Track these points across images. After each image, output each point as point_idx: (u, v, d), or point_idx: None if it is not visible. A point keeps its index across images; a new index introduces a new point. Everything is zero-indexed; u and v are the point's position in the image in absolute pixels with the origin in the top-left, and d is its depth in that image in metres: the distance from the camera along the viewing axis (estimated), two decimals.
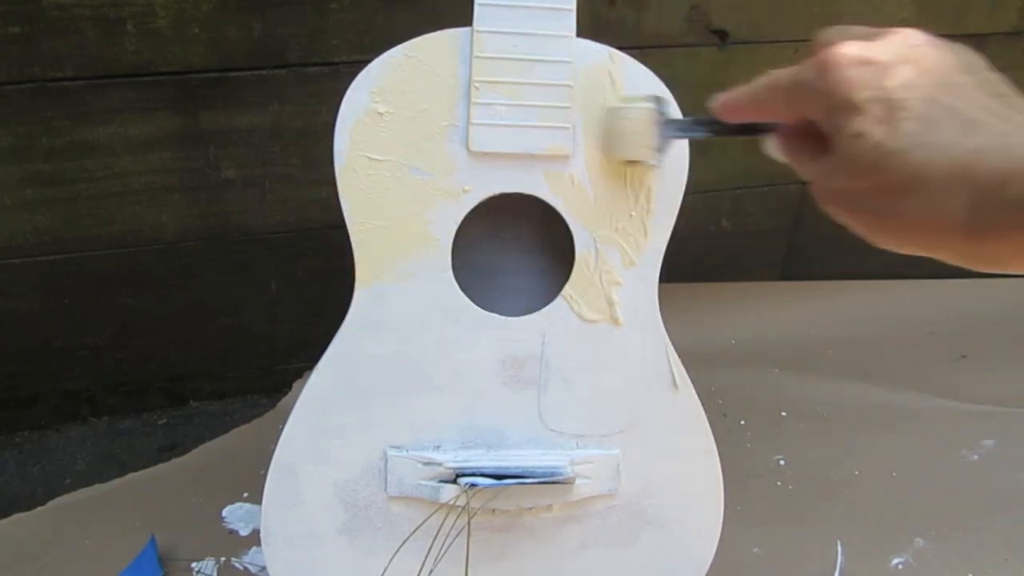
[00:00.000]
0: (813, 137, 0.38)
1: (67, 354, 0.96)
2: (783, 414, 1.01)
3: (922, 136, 0.32)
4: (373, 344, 0.60)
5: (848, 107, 0.34)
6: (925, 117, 0.32)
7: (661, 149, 0.54)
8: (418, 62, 0.55)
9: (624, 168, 0.58)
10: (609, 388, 0.63)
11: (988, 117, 0.32)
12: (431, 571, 0.63)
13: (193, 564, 0.80)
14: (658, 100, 0.53)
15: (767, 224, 1.15)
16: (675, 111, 0.55)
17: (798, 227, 1.17)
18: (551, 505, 0.64)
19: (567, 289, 0.60)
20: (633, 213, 0.59)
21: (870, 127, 0.33)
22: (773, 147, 0.42)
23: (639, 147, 0.55)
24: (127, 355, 0.98)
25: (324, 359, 0.61)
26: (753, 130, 0.44)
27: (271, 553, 0.64)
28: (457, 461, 0.62)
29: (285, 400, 1.01)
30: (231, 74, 0.86)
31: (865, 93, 0.33)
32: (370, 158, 0.56)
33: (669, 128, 0.53)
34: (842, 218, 0.36)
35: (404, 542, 0.63)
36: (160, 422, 1.01)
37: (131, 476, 0.91)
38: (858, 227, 0.36)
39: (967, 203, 0.31)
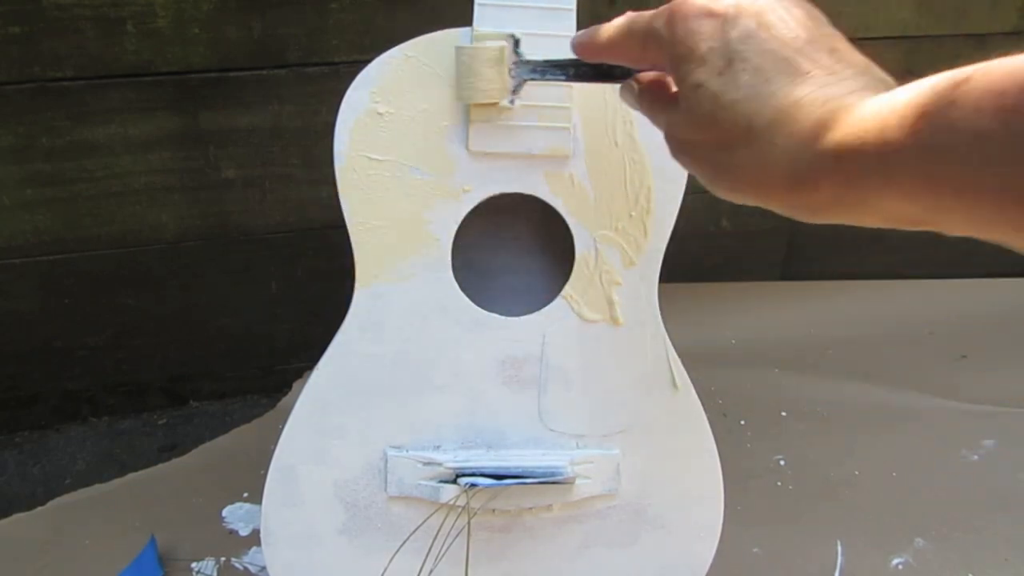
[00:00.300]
0: (666, 87, 0.39)
1: (67, 354, 0.96)
2: (783, 414, 1.01)
3: (755, 87, 0.33)
4: (373, 344, 0.60)
5: (691, 57, 0.34)
6: (759, 68, 0.33)
7: (515, 91, 0.52)
8: (418, 62, 0.55)
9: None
10: (609, 388, 0.63)
11: (816, 70, 0.33)
12: (431, 571, 0.63)
13: (193, 564, 0.80)
14: (512, 39, 0.52)
15: (767, 224, 1.15)
16: (531, 53, 0.52)
17: (798, 227, 1.17)
18: (551, 505, 0.64)
19: (567, 289, 0.60)
20: (633, 213, 0.59)
21: (709, 77, 0.34)
22: (627, 94, 0.43)
23: (490, 88, 0.52)
24: (127, 355, 0.98)
25: (324, 359, 0.61)
26: (609, 76, 0.44)
27: (271, 553, 0.64)
28: (457, 461, 0.62)
29: (285, 400, 1.01)
30: (231, 74, 0.86)
31: (707, 44, 0.34)
32: (370, 158, 0.56)
33: (523, 69, 0.51)
34: (689, 169, 0.37)
35: (404, 542, 0.63)
36: (160, 422, 1.01)
37: (131, 476, 0.91)
38: (702, 178, 0.36)
39: (785, 152, 0.31)
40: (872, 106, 0.30)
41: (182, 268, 0.95)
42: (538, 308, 0.61)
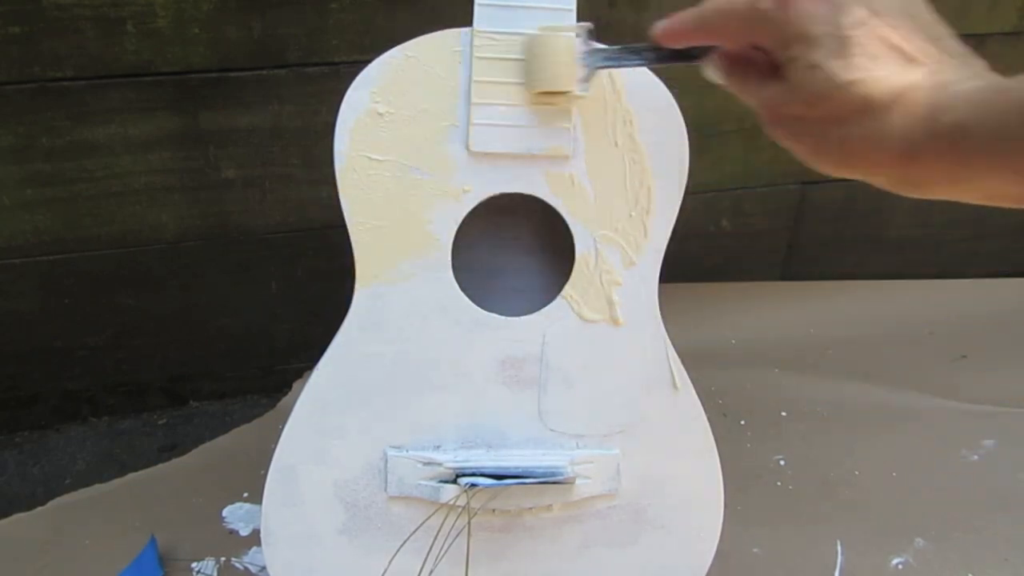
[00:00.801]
0: (758, 62, 0.41)
1: (67, 354, 0.96)
2: (783, 414, 1.01)
3: (869, 70, 0.35)
4: (373, 344, 0.60)
5: (805, 39, 0.37)
6: (873, 54, 0.36)
7: (587, 79, 0.52)
8: (418, 62, 0.55)
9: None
10: (609, 388, 0.63)
11: (924, 57, 0.36)
12: (431, 571, 0.63)
13: (193, 564, 0.80)
14: (584, 29, 0.51)
15: (767, 224, 1.15)
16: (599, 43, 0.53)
17: (798, 227, 1.17)
18: (551, 505, 0.64)
19: (567, 289, 0.60)
20: (633, 213, 0.59)
21: (824, 59, 0.36)
22: (713, 70, 0.44)
23: (562, 76, 0.52)
24: (127, 355, 0.98)
25: (324, 359, 0.61)
26: (689, 56, 0.45)
27: (271, 553, 0.64)
28: (457, 461, 0.62)
29: (285, 400, 1.01)
30: (231, 74, 0.86)
31: (822, 28, 0.36)
32: (370, 158, 0.56)
33: (595, 56, 0.51)
34: (786, 142, 0.40)
35: (404, 542, 0.63)
36: (160, 422, 1.01)
37: (131, 476, 0.91)
38: (801, 151, 0.39)
39: (901, 130, 0.35)
40: (987, 93, 0.33)
41: (182, 268, 0.95)
42: (538, 308, 0.61)
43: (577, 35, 0.51)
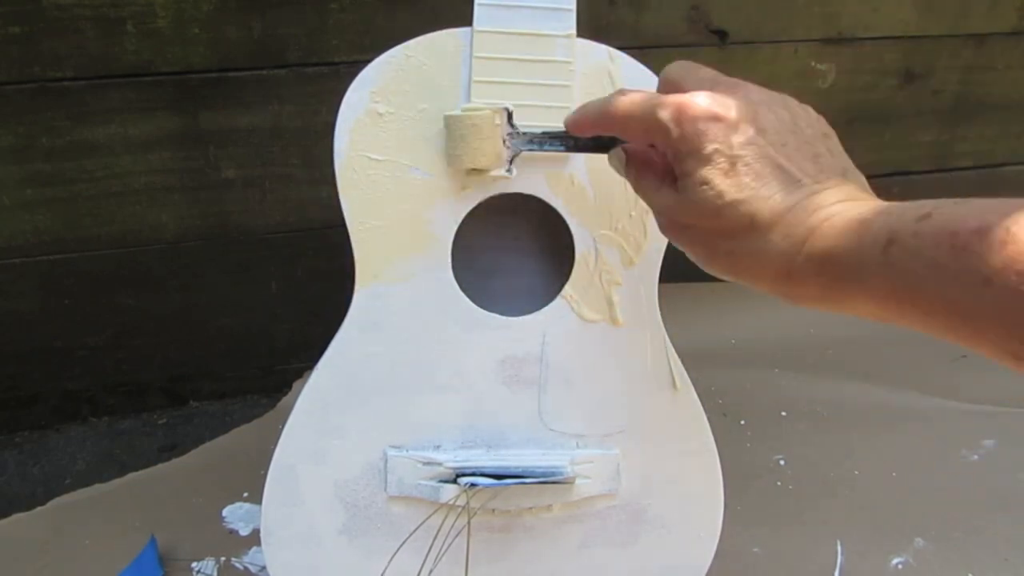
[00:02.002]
0: (656, 164, 0.43)
1: (67, 354, 0.96)
2: (783, 414, 1.01)
3: (755, 190, 0.38)
4: (373, 344, 0.60)
5: (698, 156, 0.38)
6: (759, 173, 0.38)
7: (511, 160, 0.53)
8: (418, 62, 0.55)
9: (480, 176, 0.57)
10: (609, 388, 0.63)
11: (804, 178, 0.38)
12: (431, 571, 0.63)
13: (193, 564, 0.80)
14: (505, 111, 0.52)
15: None
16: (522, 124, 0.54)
17: None
18: (551, 505, 0.64)
19: (567, 289, 0.60)
20: (633, 213, 0.59)
21: (715, 177, 0.38)
22: (617, 162, 0.46)
23: (487, 155, 0.53)
24: (127, 355, 0.98)
25: (324, 359, 0.61)
26: (602, 147, 0.47)
27: (271, 553, 0.64)
28: (457, 461, 0.62)
29: (285, 400, 1.01)
30: (231, 74, 0.86)
31: (713, 146, 0.38)
32: (370, 158, 0.56)
33: (519, 140, 0.52)
34: (681, 246, 0.42)
35: (404, 542, 0.63)
36: (160, 422, 1.01)
37: (131, 476, 0.91)
38: (693, 256, 0.42)
39: (781, 250, 0.37)
40: (852, 222, 0.35)
41: (182, 268, 0.95)
42: (538, 308, 0.61)
43: (499, 117, 0.52)
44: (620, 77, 0.56)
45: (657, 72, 0.56)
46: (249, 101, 0.88)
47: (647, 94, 0.41)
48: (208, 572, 0.79)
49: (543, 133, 0.50)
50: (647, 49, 0.98)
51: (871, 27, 1.04)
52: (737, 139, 0.38)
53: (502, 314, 0.60)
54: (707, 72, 0.42)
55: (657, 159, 0.43)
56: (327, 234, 0.96)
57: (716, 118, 0.38)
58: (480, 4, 0.54)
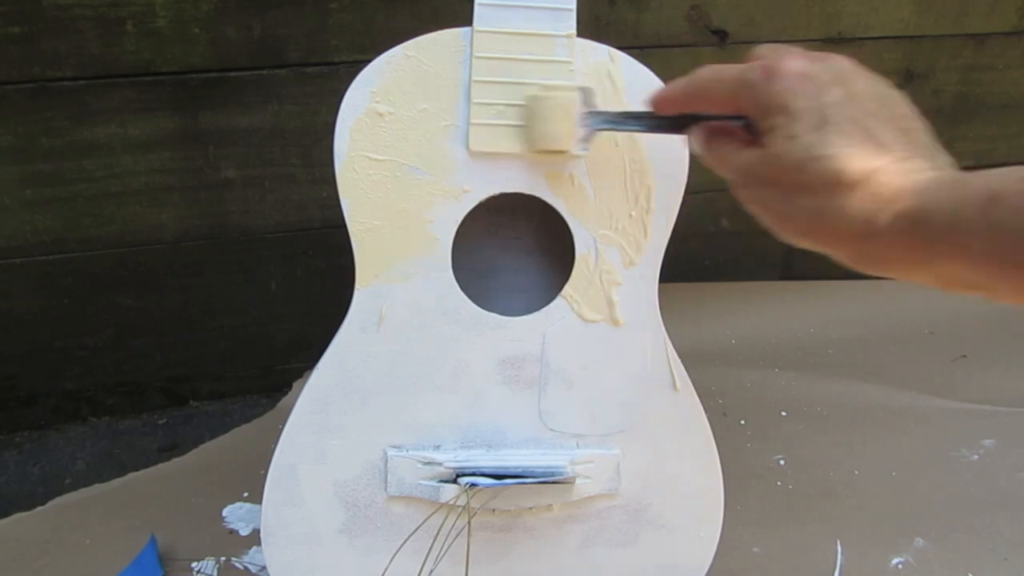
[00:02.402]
0: (737, 135, 0.43)
1: (66, 354, 0.96)
2: (783, 414, 1.01)
3: (843, 148, 0.37)
4: (373, 344, 0.60)
5: (787, 111, 0.39)
6: (848, 133, 0.38)
7: (587, 139, 0.53)
8: (418, 62, 0.55)
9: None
10: (609, 388, 0.63)
11: (893, 144, 0.38)
12: (431, 571, 0.63)
13: (193, 564, 0.80)
14: (583, 90, 0.53)
15: None
16: (600, 103, 0.54)
17: None
18: (551, 505, 0.64)
19: (567, 289, 0.60)
20: (633, 213, 0.59)
21: (803, 132, 0.38)
22: (695, 141, 0.46)
23: (562, 137, 0.54)
24: (127, 355, 0.98)
25: (324, 359, 0.61)
26: (681, 126, 0.47)
27: (271, 553, 0.64)
28: (457, 461, 0.62)
29: (285, 400, 1.01)
30: (231, 74, 0.86)
31: (804, 102, 0.39)
32: (370, 158, 0.56)
33: (595, 119, 0.52)
34: (754, 207, 0.42)
35: (404, 542, 0.63)
36: (160, 422, 1.01)
37: (131, 476, 0.91)
38: (768, 217, 0.41)
39: (865, 209, 0.37)
40: (948, 183, 0.35)
41: (182, 268, 0.95)
42: (538, 308, 0.61)
43: (578, 96, 0.53)
44: (620, 77, 0.56)
45: (658, 72, 0.57)
46: (249, 101, 0.88)
47: (736, 65, 0.42)
48: (208, 572, 0.79)
49: (620, 112, 0.50)
50: (647, 49, 0.98)
51: (871, 27, 1.04)
52: (827, 99, 0.38)
53: (502, 314, 0.60)
54: (797, 50, 0.42)
55: (737, 132, 0.44)
56: (327, 234, 0.96)
57: (807, 77, 0.39)
58: (480, 4, 0.54)
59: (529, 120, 0.55)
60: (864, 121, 0.38)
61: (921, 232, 0.35)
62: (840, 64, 0.40)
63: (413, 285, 0.59)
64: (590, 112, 0.52)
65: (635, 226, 0.60)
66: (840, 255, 0.39)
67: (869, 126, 0.38)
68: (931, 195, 0.35)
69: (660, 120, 0.48)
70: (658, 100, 0.47)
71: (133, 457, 0.95)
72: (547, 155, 0.56)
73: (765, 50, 0.43)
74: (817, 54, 0.41)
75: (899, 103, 0.40)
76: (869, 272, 0.38)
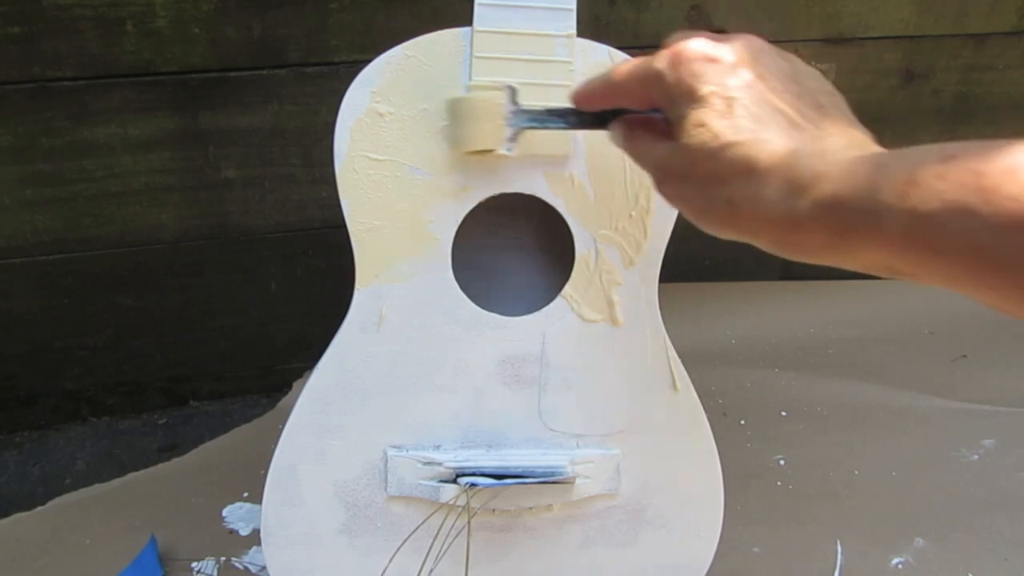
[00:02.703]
0: (656, 126, 0.42)
1: (66, 354, 0.96)
2: (783, 414, 1.01)
3: (753, 132, 0.36)
4: (373, 344, 0.60)
5: (693, 98, 0.37)
6: (757, 116, 0.36)
7: (513, 138, 0.52)
8: (418, 62, 0.55)
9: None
10: (609, 388, 0.63)
11: (806, 124, 0.36)
12: (431, 571, 0.63)
13: (193, 564, 0.80)
14: (509, 89, 0.52)
15: None
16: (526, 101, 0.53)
17: None
18: (551, 505, 0.64)
19: (567, 289, 0.60)
20: (633, 213, 0.59)
21: (711, 118, 0.36)
22: (616, 134, 0.45)
23: (489, 137, 0.53)
24: (127, 355, 0.98)
25: (324, 359, 0.61)
26: (604, 121, 0.46)
27: (271, 553, 0.64)
28: (457, 461, 0.62)
29: (285, 400, 1.01)
30: (231, 74, 0.86)
31: (709, 87, 0.37)
32: (370, 158, 0.56)
33: (520, 117, 0.51)
34: (675, 202, 0.40)
35: (404, 542, 0.63)
36: (160, 422, 1.01)
37: (131, 476, 0.91)
38: (688, 211, 0.39)
39: (782, 196, 0.35)
40: (865, 164, 0.33)
41: (182, 268, 0.95)
42: (538, 308, 0.61)
43: (505, 95, 0.52)
44: None
45: None
46: (249, 101, 0.88)
47: (647, 56, 0.41)
48: (208, 572, 0.79)
49: (545, 110, 0.50)
50: (647, 49, 0.97)
51: (871, 27, 1.04)
52: (734, 81, 0.37)
53: (502, 314, 0.60)
54: (707, 33, 0.41)
55: (659, 125, 0.42)
56: (327, 234, 0.96)
57: (712, 60, 0.37)
58: (480, 4, 0.54)
59: (454, 122, 0.54)
60: (775, 102, 0.36)
61: (840, 219, 0.33)
62: (747, 43, 0.38)
63: (413, 285, 0.59)
64: (516, 110, 0.51)
65: (635, 226, 0.60)
66: (763, 244, 0.37)
67: (780, 107, 0.36)
68: (848, 180, 0.33)
69: (583, 116, 0.47)
70: (579, 96, 0.46)
71: (133, 457, 0.95)
72: (477, 154, 0.55)
73: (674, 36, 0.41)
74: (724, 35, 0.39)
75: (812, 77, 0.39)
76: (794, 259, 0.36)
